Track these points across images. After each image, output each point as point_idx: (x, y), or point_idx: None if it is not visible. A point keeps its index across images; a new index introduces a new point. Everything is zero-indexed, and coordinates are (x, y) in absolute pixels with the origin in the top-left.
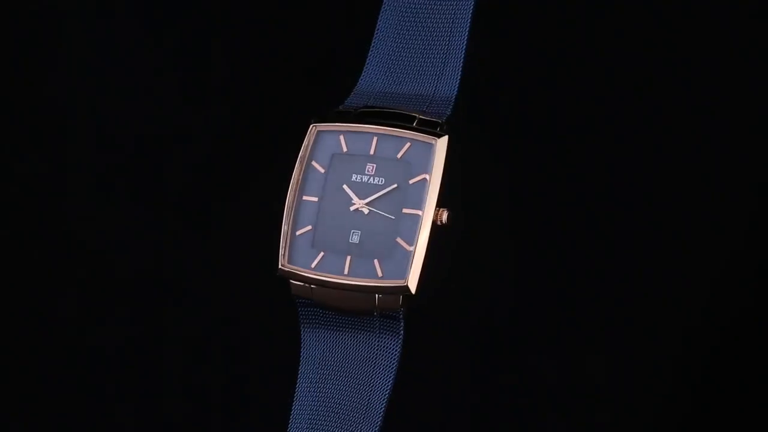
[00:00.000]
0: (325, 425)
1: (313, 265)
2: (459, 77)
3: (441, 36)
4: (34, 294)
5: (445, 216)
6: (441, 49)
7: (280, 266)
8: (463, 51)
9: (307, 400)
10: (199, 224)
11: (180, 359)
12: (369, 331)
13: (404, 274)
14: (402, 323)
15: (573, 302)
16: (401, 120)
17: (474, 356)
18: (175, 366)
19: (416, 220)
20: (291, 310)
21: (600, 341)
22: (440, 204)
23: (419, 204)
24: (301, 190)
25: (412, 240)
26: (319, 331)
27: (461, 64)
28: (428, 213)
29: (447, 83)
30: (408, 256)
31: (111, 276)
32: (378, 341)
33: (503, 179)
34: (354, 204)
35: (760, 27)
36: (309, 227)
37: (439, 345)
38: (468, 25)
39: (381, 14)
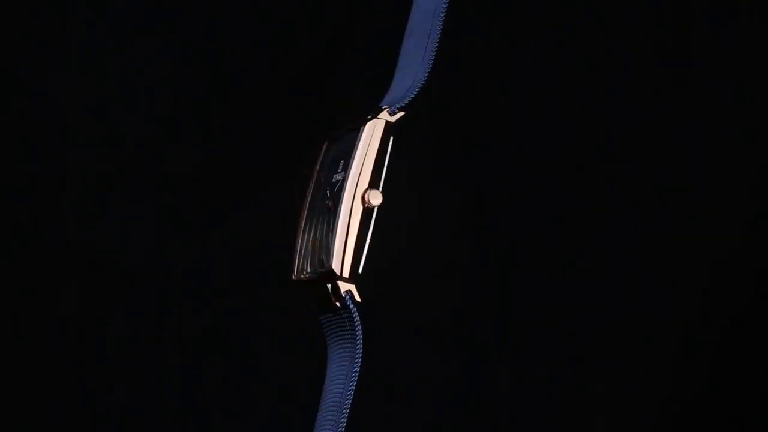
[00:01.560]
0: (325, 416)
1: (308, 270)
2: (428, 68)
3: (425, 33)
4: (34, 293)
5: (370, 196)
6: (423, 45)
7: (293, 277)
8: (435, 43)
9: (322, 396)
10: (198, 223)
11: (180, 358)
12: (343, 326)
13: (331, 259)
14: (353, 310)
15: (570, 303)
16: (368, 113)
17: (472, 354)
18: (175, 365)
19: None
20: (289, 309)
21: (599, 341)
22: (373, 185)
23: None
24: (311, 202)
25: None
26: (328, 334)
27: (432, 55)
28: (347, 196)
29: (419, 74)
30: (334, 242)
31: (111, 276)
32: (348, 334)
33: (498, 174)
34: (326, 203)
35: (758, 29)
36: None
37: (435, 343)
38: (440, 21)
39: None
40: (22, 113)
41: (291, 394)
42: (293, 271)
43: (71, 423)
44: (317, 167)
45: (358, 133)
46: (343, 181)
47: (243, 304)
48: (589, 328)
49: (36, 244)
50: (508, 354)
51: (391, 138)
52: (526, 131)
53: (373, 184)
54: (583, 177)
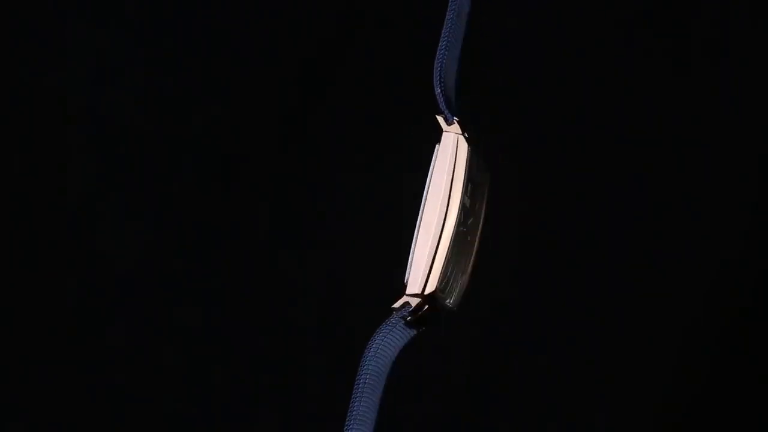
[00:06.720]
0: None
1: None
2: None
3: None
4: (34, 293)
5: None
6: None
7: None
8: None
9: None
10: (199, 224)
11: (180, 358)
12: None
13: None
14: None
15: (572, 302)
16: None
17: (473, 354)
18: (175, 365)
19: None
20: (288, 308)
21: (601, 342)
22: None
23: None
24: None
25: None
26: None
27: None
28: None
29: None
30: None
31: (111, 276)
32: None
33: (514, 176)
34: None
35: (759, 34)
36: None
37: (436, 342)
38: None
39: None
40: (23, 113)
41: (291, 393)
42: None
43: (71, 423)
44: (463, 183)
45: (489, 173)
46: (479, 216)
47: (243, 304)
48: (591, 329)
49: (36, 244)
50: (508, 354)
51: None
52: (520, 130)
53: None
54: (583, 176)
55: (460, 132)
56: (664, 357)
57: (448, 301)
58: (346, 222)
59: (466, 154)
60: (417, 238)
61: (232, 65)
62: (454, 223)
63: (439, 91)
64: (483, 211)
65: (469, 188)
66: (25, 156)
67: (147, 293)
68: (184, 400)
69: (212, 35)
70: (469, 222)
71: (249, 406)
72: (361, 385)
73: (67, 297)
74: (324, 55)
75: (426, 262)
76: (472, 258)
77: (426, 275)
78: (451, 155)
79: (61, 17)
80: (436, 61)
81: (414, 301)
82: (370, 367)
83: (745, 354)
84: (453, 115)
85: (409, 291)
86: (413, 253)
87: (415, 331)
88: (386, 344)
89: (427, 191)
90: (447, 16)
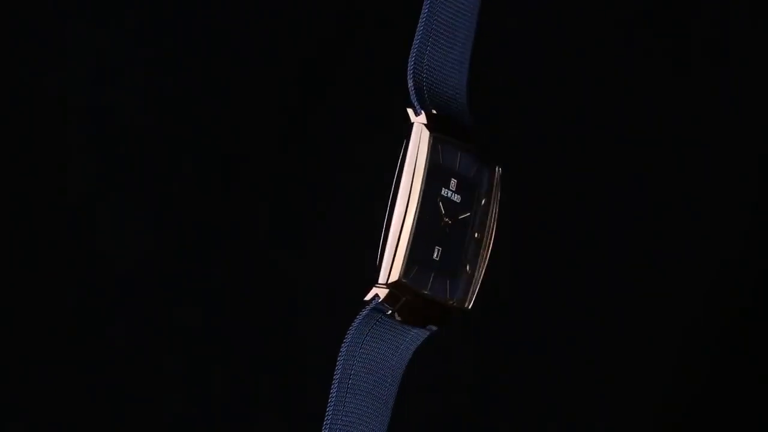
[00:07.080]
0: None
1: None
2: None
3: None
4: (34, 293)
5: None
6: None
7: (397, 278)
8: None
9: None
10: (199, 224)
11: (180, 358)
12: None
13: (467, 300)
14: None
15: (572, 302)
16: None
17: (473, 354)
18: (175, 365)
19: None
20: (287, 307)
21: (599, 341)
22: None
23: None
24: (420, 213)
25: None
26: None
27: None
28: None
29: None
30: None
31: (111, 276)
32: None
33: (514, 176)
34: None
35: (759, 34)
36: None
37: (436, 342)
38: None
39: None
40: (22, 112)
41: (291, 393)
42: (396, 272)
43: (71, 423)
44: (423, 171)
45: (490, 171)
46: (487, 213)
47: (243, 304)
48: (591, 328)
49: (36, 244)
50: (509, 354)
51: None
52: (520, 130)
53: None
54: (583, 176)
55: (425, 122)
56: (664, 357)
57: (445, 297)
58: (346, 222)
59: (427, 144)
60: (384, 230)
61: (232, 65)
62: (414, 212)
63: (411, 84)
64: (492, 210)
65: (453, 183)
66: (25, 156)
67: (147, 293)
68: (184, 400)
69: (212, 35)
70: (462, 217)
71: (249, 406)
72: (336, 385)
73: (67, 297)
74: (324, 55)
75: (390, 252)
76: (482, 257)
77: (390, 264)
78: (413, 146)
79: (61, 17)
80: (411, 53)
81: (382, 292)
82: (346, 366)
83: (745, 354)
84: (422, 108)
85: (376, 282)
86: (381, 246)
87: (426, 332)
88: (372, 342)
89: (395, 184)
90: (422, 12)
